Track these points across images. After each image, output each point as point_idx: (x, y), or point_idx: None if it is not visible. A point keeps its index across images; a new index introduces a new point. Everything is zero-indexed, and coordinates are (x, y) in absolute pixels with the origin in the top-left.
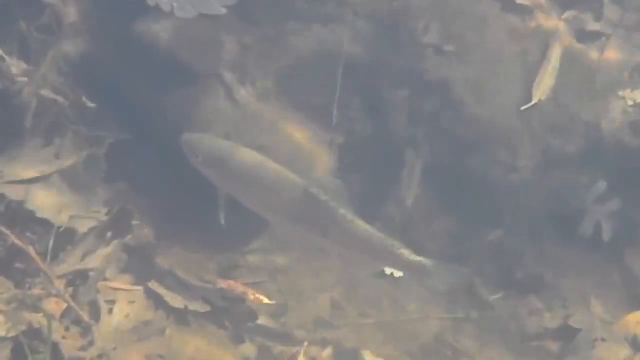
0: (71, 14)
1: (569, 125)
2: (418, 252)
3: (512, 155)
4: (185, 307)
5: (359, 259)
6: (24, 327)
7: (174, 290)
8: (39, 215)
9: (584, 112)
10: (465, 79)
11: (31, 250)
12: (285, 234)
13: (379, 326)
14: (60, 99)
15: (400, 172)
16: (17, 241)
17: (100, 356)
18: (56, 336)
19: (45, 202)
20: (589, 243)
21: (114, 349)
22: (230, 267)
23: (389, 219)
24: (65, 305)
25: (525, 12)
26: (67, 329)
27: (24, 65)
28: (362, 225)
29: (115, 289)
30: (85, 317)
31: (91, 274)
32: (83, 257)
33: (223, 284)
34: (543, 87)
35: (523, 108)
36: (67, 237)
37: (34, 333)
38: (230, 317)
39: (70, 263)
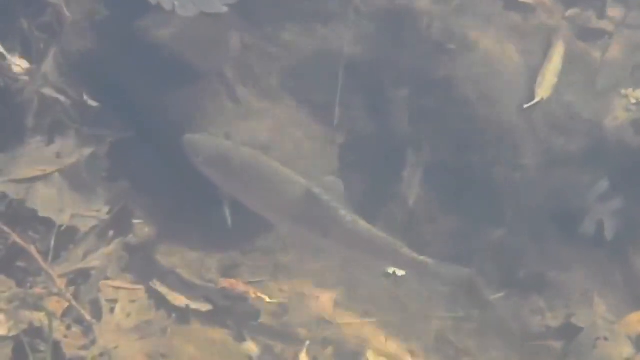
0: (73, 12)
1: (571, 124)
2: (420, 251)
3: (514, 153)
4: (187, 306)
5: (361, 258)
6: (25, 326)
7: (176, 289)
8: (41, 213)
9: (586, 110)
10: (468, 77)
11: (32, 249)
12: (286, 233)
13: (381, 325)
14: (61, 97)
15: (402, 171)
16: (18, 240)
17: (101, 355)
18: (57, 335)
19: (46, 200)
20: (591, 242)
21: (115, 347)
22: (231, 266)
23: (391, 218)
24: (66, 304)
25: (528, 10)
26: (68, 327)
27: (25, 64)
28: (363, 225)
29: (117, 288)
30: (87, 315)
31: (92, 272)
32: (84, 256)
33: (225, 282)
34: (545, 85)
35: (525, 106)
36: (68, 236)
37: (35, 332)
38: (231, 316)
39: (72, 262)
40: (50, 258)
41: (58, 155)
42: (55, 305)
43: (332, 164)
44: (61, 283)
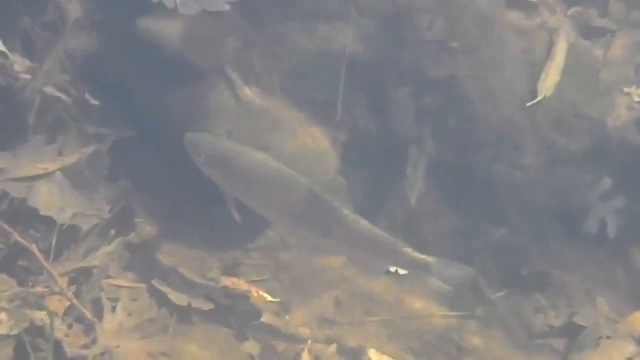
0: (75, 10)
1: (573, 122)
2: (422, 249)
3: (517, 152)
4: (189, 304)
5: (363, 258)
6: (26, 325)
7: (177, 287)
8: (42, 212)
9: (588, 108)
10: (470, 75)
11: (34, 248)
12: (288, 233)
13: (383, 324)
14: (63, 96)
15: (404, 169)
16: (19, 239)
17: (102, 354)
18: (59, 334)
19: (48, 199)
20: (593, 240)
21: (117, 346)
22: (233, 265)
23: (393, 217)
24: (67, 303)
25: (530, 8)
26: (69, 326)
27: (27, 62)
28: (365, 224)
29: (118, 287)
30: (88, 314)
31: (94, 271)
32: (86, 255)
33: (226, 281)
34: (548, 84)
35: (528, 104)
36: (69, 235)
37: (36, 331)
38: (233, 314)
39: (73, 260)
40: (51, 257)
41: (59, 154)
42: (56, 304)
43: (334, 163)
44: (62, 282)
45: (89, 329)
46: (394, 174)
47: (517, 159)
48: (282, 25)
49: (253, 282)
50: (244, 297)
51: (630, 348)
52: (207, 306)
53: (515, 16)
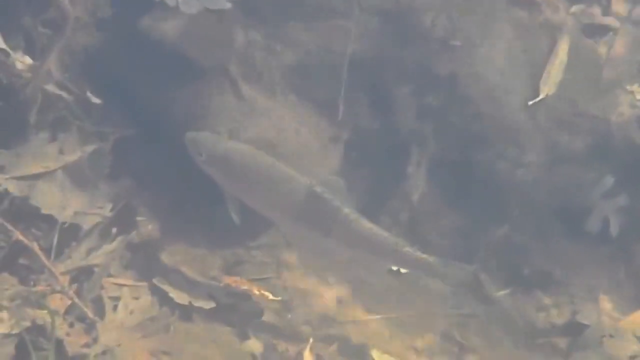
0: (76, 8)
1: (576, 120)
2: (424, 248)
3: (519, 150)
4: (190, 303)
5: (364, 258)
6: (27, 324)
7: (179, 286)
8: (43, 211)
9: (591, 106)
10: (472, 73)
11: (35, 246)
12: (288, 234)
13: (385, 322)
14: (64, 94)
15: (406, 167)
16: (21, 237)
17: (104, 352)
18: (60, 332)
19: (49, 197)
20: (596, 239)
21: (118, 345)
22: (235, 263)
23: (395, 215)
24: (69, 302)
25: (533, 6)
26: (71, 325)
27: (28, 60)
28: (366, 224)
29: (120, 285)
30: (90, 313)
31: (95, 270)
32: (87, 253)
33: (228, 280)
34: (550, 82)
35: (530, 103)
36: (71, 233)
37: (37, 329)
38: (235, 313)
39: (75, 259)
40: (52, 255)
41: (61, 152)
42: (57, 302)
43: (336, 161)
44: (64, 280)
45: (90, 327)
46: (396, 172)
47: (519, 158)
48: (285, 22)
49: (255, 280)
50: (246, 295)
51: (633, 347)
52: (208, 305)
53: (517, 14)
